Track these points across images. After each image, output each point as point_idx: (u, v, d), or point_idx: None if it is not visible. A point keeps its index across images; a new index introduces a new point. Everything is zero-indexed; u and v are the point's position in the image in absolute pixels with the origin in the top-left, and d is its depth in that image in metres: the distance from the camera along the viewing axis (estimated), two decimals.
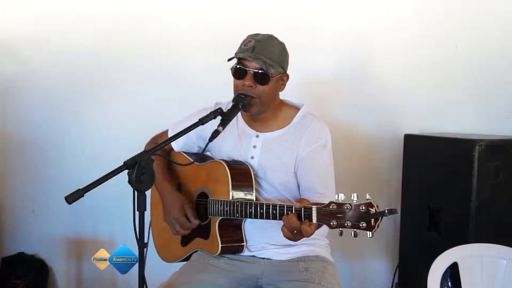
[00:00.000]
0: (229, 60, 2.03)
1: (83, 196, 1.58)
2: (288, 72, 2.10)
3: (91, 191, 1.61)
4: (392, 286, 3.12)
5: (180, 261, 2.26)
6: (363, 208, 1.61)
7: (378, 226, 1.61)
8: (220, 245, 2.05)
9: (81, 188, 1.59)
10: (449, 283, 2.34)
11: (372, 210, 1.60)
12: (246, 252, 2.12)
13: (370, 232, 1.61)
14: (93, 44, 3.22)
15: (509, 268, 2.17)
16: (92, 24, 3.21)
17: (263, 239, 2.10)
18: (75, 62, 3.25)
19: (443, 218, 2.68)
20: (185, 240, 2.22)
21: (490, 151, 2.53)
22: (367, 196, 1.62)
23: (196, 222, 2.11)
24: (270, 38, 2.04)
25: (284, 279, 2.02)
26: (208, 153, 2.26)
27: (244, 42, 2.03)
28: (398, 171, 3.05)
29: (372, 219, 1.60)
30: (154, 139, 2.34)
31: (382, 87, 3.11)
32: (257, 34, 2.04)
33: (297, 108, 2.15)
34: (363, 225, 1.61)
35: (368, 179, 3.13)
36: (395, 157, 3.09)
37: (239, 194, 2.02)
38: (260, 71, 1.98)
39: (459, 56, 3.07)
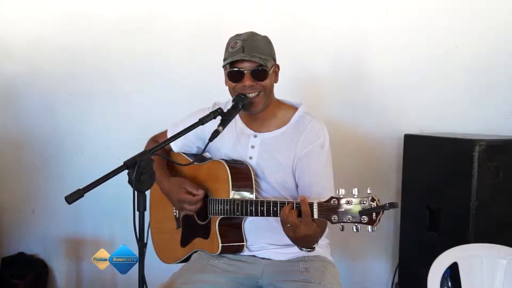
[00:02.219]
0: (224, 66, 2.03)
1: (83, 196, 1.58)
2: (278, 63, 2.11)
3: (91, 191, 1.61)
4: (392, 286, 3.12)
5: (180, 262, 2.26)
6: (364, 202, 1.62)
7: (379, 220, 1.62)
8: (220, 245, 2.05)
9: (81, 188, 1.59)
10: (449, 283, 2.34)
11: (373, 204, 1.61)
12: (246, 252, 2.12)
13: (371, 226, 1.61)
14: (93, 44, 3.22)
15: (509, 268, 2.17)
16: (92, 24, 3.21)
17: (263, 239, 2.10)
18: (75, 62, 3.25)
19: (443, 218, 2.68)
20: (185, 241, 2.22)
21: (490, 151, 2.53)
22: (368, 191, 1.63)
23: (200, 192, 2.07)
24: (254, 35, 2.04)
25: (284, 279, 2.02)
26: (207, 154, 2.26)
27: (231, 45, 2.03)
28: (398, 171, 3.05)
29: (373, 213, 1.60)
30: (153, 139, 2.34)
31: (382, 87, 3.11)
32: (239, 35, 2.04)
33: (295, 108, 2.14)
34: (365, 219, 1.61)
35: (368, 179, 3.12)
36: (395, 157, 3.09)
37: (239, 193, 2.02)
38: (259, 68, 1.98)
39: (459, 56, 3.07)
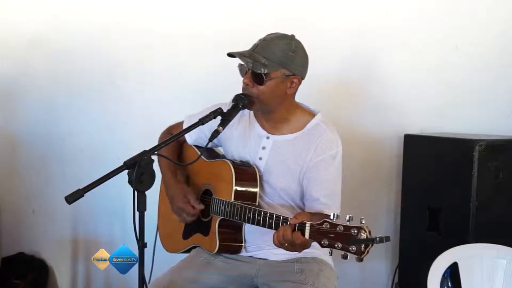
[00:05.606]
0: (228, 55, 2.00)
1: (83, 196, 1.59)
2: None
3: (91, 191, 1.61)
4: (392, 286, 3.12)
5: (181, 253, 2.28)
6: (355, 231, 1.57)
7: (367, 252, 1.58)
8: (218, 244, 2.05)
9: (81, 188, 1.59)
10: (449, 283, 2.34)
11: (364, 235, 1.57)
12: (243, 253, 2.12)
13: (358, 257, 1.58)
14: (93, 44, 3.21)
15: (509, 268, 2.17)
16: (92, 24, 3.20)
17: (261, 241, 2.08)
18: (75, 62, 3.25)
19: (443, 218, 2.68)
20: (187, 234, 2.23)
21: (490, 151, 2.53)
22: (362, 221, 1.59)
23: (200, 207, 2.12)
24: (278, 38, 1.98)
25: (279, 280, 2.02)
26: (220, 149, 2.27)
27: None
28: (398, 171, 3.05)
29: (363, 245, 1.57)
30: (168, 130, 2.33)
31: (382, 87, 3.11)
32: (270, 34, 2.00)
33: (312, 114, 2.10)
34: (353, 248, 1.57)
35: (368, 179, 3.13)
36: (395, 157, 3.09)
37: (241, 198, 2.01)
38: (254, 71, 1.95)
39: (459, 56, 3.07)
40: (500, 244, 2.24)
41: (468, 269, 2.19)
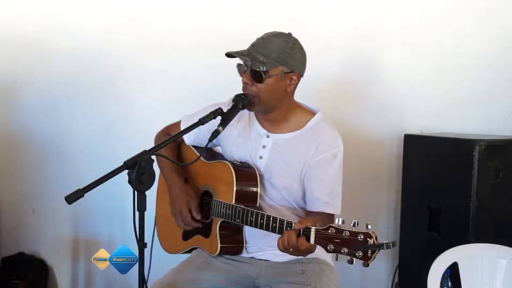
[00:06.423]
0: (226, 55, 1.99)
1: (83, 196, 1.59)
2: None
3: (91, 191, 1.61)
4: (392, 286, 3.12)
5: (181, 254, 2.27)
6: (361, 237, 1.56)
7: (374, 258, 1.56)
8: (219, 246, 2.05)
9: (81, 188, 1.59)
10: (449, 283, 2.34)
11: (370, 241, 1.55)
12: (244, 254, 2.12)
13: (365, 262, 1.56)
14: (93, 44, 3.21)
15: (509, 268, 2.17)
16: (92, 24, 3.20)
17: (263, 242, 2.08)
18: (75, 62, 3.24)
19: (443, 218, 2.68)
20: (187, 235, 2.23)
21: (490, 151, 2.53)
22: (368, 226, 1.58)
23: (198, 218, 2.11)
24: (275, 36, 1.98)
25: (281, 281, 2.02)
26: (218, 148, 2.26)
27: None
28: (398, 171, 3.05)
29: (369, 250, 1.56)
30: (165, 130, 2.31)
31: (382, 87, 3.11)
32: (268, 32, 1.99)
33: (312, 113, 2.10)
34: (360, 254, 1.56)
35: (368, 179, 3.13)
36: (395, 157, 3.09)
37: (243, 200, 2.00)
38: (252, 69, 1.94)
39: (459, 56, 3.07)
40: (500, 244, 2.24)
41: (468, 269, 2.20)
